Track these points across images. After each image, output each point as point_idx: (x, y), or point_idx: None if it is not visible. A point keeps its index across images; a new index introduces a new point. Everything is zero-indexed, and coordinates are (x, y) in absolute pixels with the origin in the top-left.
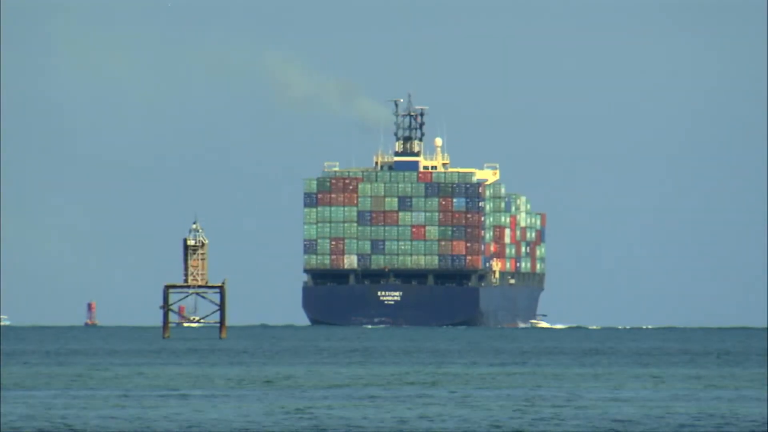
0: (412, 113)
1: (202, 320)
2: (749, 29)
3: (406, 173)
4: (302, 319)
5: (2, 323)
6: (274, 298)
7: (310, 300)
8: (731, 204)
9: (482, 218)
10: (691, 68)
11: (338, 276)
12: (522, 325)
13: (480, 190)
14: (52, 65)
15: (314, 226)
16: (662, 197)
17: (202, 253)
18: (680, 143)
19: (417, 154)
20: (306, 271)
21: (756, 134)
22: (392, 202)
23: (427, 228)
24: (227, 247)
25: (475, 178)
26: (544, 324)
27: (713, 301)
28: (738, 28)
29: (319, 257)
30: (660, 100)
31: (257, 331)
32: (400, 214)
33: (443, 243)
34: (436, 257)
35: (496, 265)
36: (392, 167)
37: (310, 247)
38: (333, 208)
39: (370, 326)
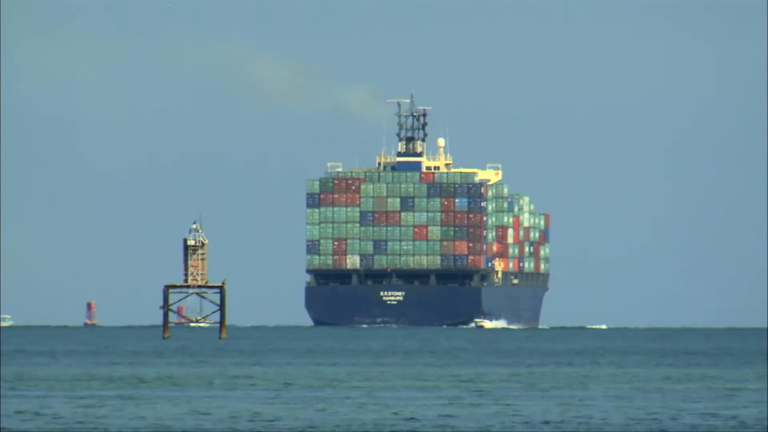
0: (415, 114)
1: (208, 320)
2: (749, 29)
3: (409, 173)
4: (305, 320)
5: (6, 323)
6: (276, 298)
7: (313, 300)
8: (735, 203)
9: (484, 218)
10: (692, 69)
11: (341, 276)
12: (470, 325)
13: (482, 191)
14: (51, 66)
15: (317, 227)
16: (666, 196)
17: (202, 253)
18: (683, 143)
19: (420, 155)
20: (309, 271)
21: (757, 135)
22: (394, 203)
23: (429, 228)
24: (230, 248)
25: (477, 179)
26: (488, 324)
27: (716, 301)
28: (738, 28)
29: (321, 257)
30: (663, 100)
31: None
32: (403, 214)
33: (445, 243)
34: (439, 257)
35: (499, 265)
36: (395, 168)
37: (312, 248)
38: (335, 209)
39: (377, 324)
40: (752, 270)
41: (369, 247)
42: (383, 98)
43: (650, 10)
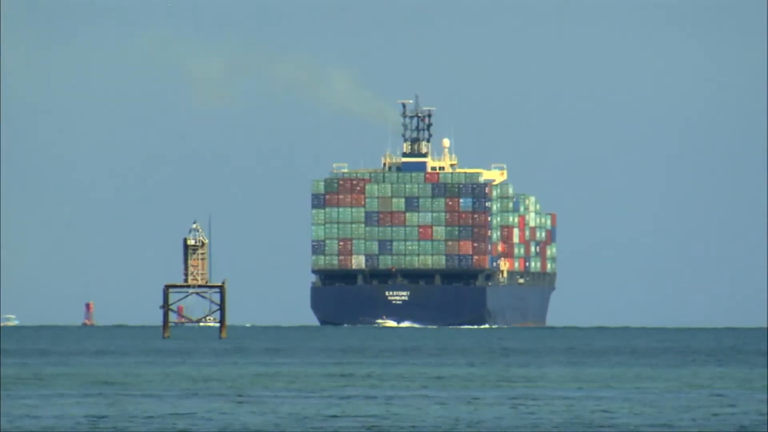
0: (420, 114)
1: (214, 320)
2: (749, 29)
3: (413, 174)
4: (311, 320)
5: (11, 323)
6: (282, 299)
7: (319, 300)
8: (741, 202)
9: (489, 218)
10: (694, 69)
11: (346, 276)
12: (378, 323)
13: (486, 191)
14: (49, 67)
15: (322, 227)
16: (673, 196)
17: (202, 253)
18: (689, 142)
19: (425, 155)
20: (314, 271)
21: (758, 135)
22: (399, 203)
23: (434, 228)
24: (236, 248)
25: (482, 179)
26: (390, 323)
27: (720, 301)
28: (738, 28)
29: (327, 258)
30: (666, 100)
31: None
32: (407, 214)
33: (450, 243)
34: (443, 257)
35: (504, 265)
36: (400, 168)
37: (318, 248)
38: (341, 209)
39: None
40: (758, 270)
41: (374, 247)
42: (388, 99)
43: (652, 10)
